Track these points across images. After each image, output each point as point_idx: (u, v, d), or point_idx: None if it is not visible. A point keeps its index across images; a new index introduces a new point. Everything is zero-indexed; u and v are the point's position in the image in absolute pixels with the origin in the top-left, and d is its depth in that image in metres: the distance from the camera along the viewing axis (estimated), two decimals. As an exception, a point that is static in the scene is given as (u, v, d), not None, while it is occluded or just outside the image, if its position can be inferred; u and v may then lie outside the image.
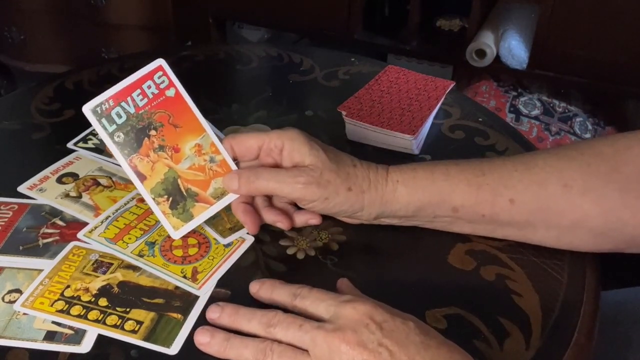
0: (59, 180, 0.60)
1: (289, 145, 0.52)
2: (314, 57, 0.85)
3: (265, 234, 0.55)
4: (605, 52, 1.23)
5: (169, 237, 0.53)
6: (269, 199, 0.56)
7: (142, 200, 0.57)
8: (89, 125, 0.67)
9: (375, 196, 0.52)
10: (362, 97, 0.71)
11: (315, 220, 0.55)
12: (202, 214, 0.53)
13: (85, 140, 0.66)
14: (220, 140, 0.54)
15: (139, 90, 0.50)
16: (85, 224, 0.55)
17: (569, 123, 1.37)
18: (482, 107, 0.76)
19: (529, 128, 1.34)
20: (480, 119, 0.71)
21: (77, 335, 0.45)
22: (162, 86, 0.51)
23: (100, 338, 0.45)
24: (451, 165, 0.53)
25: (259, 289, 0.48)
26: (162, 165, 0.51)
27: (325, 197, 0.51)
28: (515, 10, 1.42)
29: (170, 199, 0.52)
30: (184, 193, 0.52)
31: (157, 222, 0.55)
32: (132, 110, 0.50)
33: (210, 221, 0.55)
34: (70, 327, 0.46)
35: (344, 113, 0.67)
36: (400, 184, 0.52)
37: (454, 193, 0.51)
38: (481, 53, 1.32)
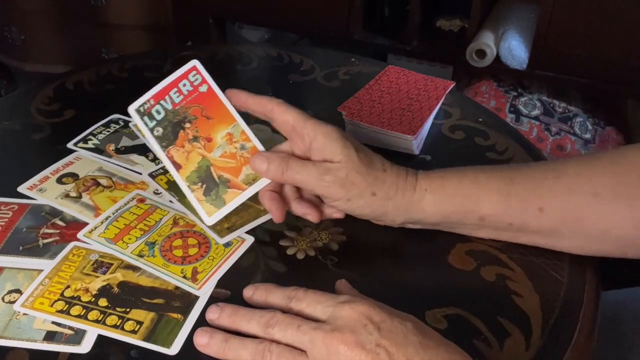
0: (59, 181, 0.60)
1: (322, 141, 0.51)
2: (314, 57, 0.85)
3: (265, 234, 0.55)
4: (605, 52, 1.23)
5: (168, 237, 0.54)
6: (299, 190, 0.56)
7: (142, 200, 0.58)
8: (89, 125, 0.68)
9: (400, 203, 0.52)
10: (362, 97, 0.71)
11: (338, 214, 0.55)
12: (234, 200, 0.54)
13: (85, 140, 0.66)
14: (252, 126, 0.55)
15: (175, 89, 0.54)
16: (85, 224, 0.55)
17: (569, 123, 1.37)
18: (482, 107, 0.76)
19: (529, 128, 1.34)
20: (480, 119, 0.71)
21: (77, 336, 0.45)
22: (195, 83, 0.55)
23: (100, 338, 0.45)
24: (480, 173, 0.52)
25: (253, 294, 0.48)
26: (196, 154, 0.54)
27: (347, 198, 0.51)
28: (515, 10, 1.42)
29: (204, 186, 0.54)
30: (217, 180, 0.54)
31: (157, 222, 0.55)
32: (169, 106, 0.54)
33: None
34: (70, 328, 0.46)
35: (344, 113, 0.67)
36: (429, 192, 0.52)
37: (483, 202, 0.51)
38: (481, 53, 1.32)
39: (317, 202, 0.56)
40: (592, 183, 0.49)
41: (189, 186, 0.54)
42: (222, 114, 0.55)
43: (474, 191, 0.51)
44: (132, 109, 0.54)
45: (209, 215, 0.53)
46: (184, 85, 0.54)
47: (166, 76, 0.55)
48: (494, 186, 0.51)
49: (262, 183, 0.54)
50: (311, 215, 0.54)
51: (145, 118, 0.54)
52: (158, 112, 0.54)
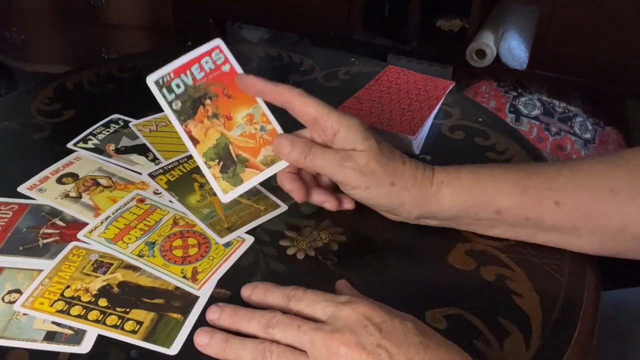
0: (59, 181, 0.60)
1: (344, 133, 0.52)
2: (314, 57, 0.85)
3: (265, 234, 0.55)
4: (605, 52, 1.24)
5: (168, 237, 0.54)
6: (316, 178, 0.56)
7: (142, 200, 0.58)
8: (89, 125, 0.68)
9: (417, 196, 0.52)
10: (362, 97, 0.71)
11: (349, 205, 0.56)
12: (251, 180, 0.54)
13: (85, 140, 0.66)
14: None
15: (197, 65, 0.54)
16: (85, 224, 0.55)
17: (569, 123, 1.37)
18: (482, 107, 0.76)
19: (529, 128, 1.34)
20: (480, 119, 0.71)
21: (77, 336, 0.45)
22: (218, 62, 0.55)
23: (100, 338, 0.45)
24: (495, 168, 0.53)
25: (251, 293, 0.48)
26: (215, 131, 0.54)
27: (366, 185, 0.52)
28: (515, 10, 1.42)
29: (221, 163, 0.54)
30: (235, 158, 0.54)
31: (157, 222, 0.55)
32: (190, 82, 0.54)
33: (208, 221, 0.55)
34: (70, 328, 0.46)
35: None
36: (445, 184, 0.52)
37: (499, 195, 0.51)
38: (481, 53, 1.32)
39: (333, 191, 0.56)
40: (609, 180, 0.50)
41: (205, 162, 0.54)
42: (244, 95, 0.55)
43: (490, 184, 0.52)
44: (150, 80, 0.53)
45: (224, 192, 0.54)
46: (206, 62, 0.54)
47: None
48: (510, 180, 0.51)
49: (280, 166, 0.54)
50: (329, 203, 0.55)
51: (164, 90, 0.53)
52: (178, 86, 0.53)
